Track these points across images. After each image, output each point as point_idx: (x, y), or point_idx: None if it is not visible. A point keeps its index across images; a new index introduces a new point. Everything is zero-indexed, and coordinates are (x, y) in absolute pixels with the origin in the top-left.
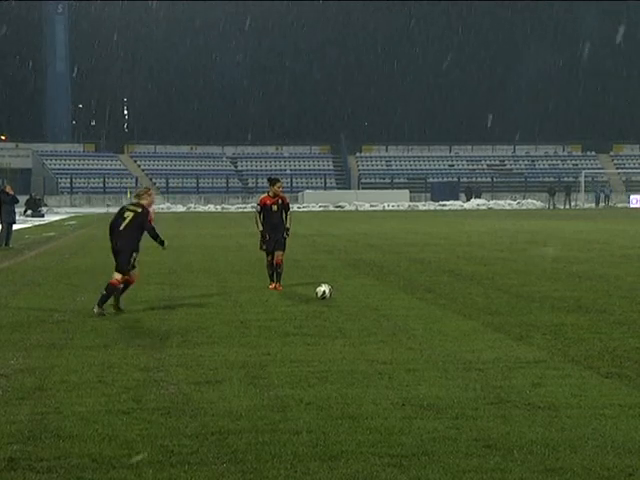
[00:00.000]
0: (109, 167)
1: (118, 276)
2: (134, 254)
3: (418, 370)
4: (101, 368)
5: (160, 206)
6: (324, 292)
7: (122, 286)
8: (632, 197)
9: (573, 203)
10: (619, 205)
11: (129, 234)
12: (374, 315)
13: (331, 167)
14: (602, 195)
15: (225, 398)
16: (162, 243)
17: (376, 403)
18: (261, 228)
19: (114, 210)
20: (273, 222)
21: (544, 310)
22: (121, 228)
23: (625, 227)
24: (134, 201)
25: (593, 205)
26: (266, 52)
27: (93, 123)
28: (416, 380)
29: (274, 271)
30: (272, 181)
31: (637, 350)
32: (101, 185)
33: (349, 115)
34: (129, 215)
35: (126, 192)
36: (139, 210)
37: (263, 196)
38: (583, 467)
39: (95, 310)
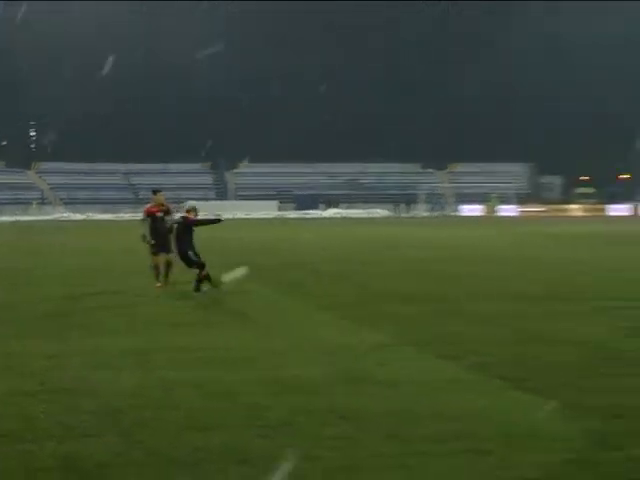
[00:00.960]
0: (17, 181)
1: (204, 272)
2: (191, 252)
3: (284, 354)
4: (9, 357)
5: (63, 215)
6: (238, 274)
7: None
8: (462, 207)
9: (413, 212)
10: (451, 214)
11: (183, 237)
12: (249, 308)
13: (211, 181)
14: (437, 205)
15: (118, 380)
16: (216, 221)
17: (247, 383)
18: (145, 233)
19: (22, 219)
20: (159, 227)
21: (392, 302)
22: (177, 233)
23: (456, 232)
24: (184, 213)
25: (429, 213)
26: (156, 76)
27: (4, 143)
28: (282, 363)
29: (160, 272)
30: (155, 192)
31: (464, 334)
32: (11, 197)
33: (227, 136)
34: (179, 223)
35: (32, 203)
36: (182, 219)
37: (148, 206)
38: (419, 434)
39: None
